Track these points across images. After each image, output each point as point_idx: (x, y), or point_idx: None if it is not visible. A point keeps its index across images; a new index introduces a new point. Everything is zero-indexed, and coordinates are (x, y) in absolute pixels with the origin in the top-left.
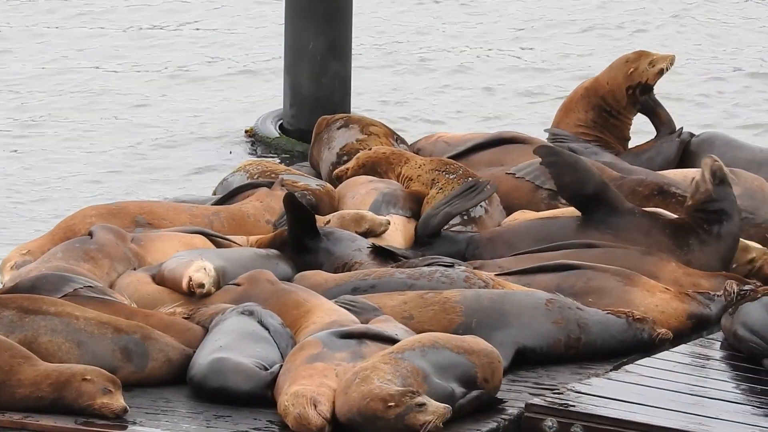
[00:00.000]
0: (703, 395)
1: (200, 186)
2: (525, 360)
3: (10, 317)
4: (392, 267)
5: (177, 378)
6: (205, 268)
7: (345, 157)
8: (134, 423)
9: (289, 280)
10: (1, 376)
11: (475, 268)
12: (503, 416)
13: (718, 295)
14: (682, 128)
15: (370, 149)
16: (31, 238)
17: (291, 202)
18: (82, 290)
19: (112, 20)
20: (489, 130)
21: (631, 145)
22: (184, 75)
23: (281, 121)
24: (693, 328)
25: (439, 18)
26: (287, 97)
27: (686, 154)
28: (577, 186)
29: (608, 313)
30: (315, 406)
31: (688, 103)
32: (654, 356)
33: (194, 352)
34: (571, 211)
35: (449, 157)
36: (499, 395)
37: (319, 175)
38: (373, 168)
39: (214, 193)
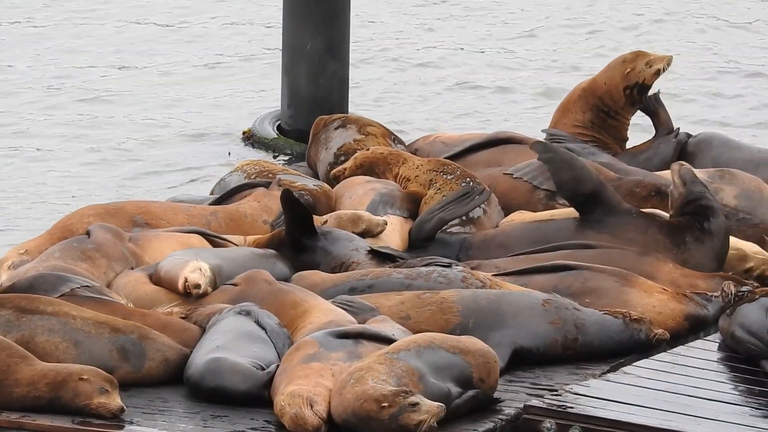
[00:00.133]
0: (701, 397)
1: (198, 186)
2: (522, 360)
3: (7, 317)
4: (390, 267)
5: (174, 378)
6: (200, 269)
7: (342, 158)
8: (131, 423)
9: (287, 280)
10: None
11: (472, 268)
12: (500, 416)
13: (715, 296)
14: (678, 128)
15: (368, 149)
16: (28, 238)
17: (288, 198)
18: (79, 290)
19: (110, 18)
20: (487, 130)
21: (628, 145)
22: (182, 75)
23: (279, 121)
24: (690, 329)
25: (438, 19)
26: (285, 98)
27: (683, 154)
28: (574, 184)
29: (605, 313)
30: (311, 406)
31: (689, 102)
32: (652, 358)
33: (191, 351)
34: (567, 212)
35: (447, 158)
36: (496, 395)
37: (316, 176)
38: (371, 168)
39: (212, 193)
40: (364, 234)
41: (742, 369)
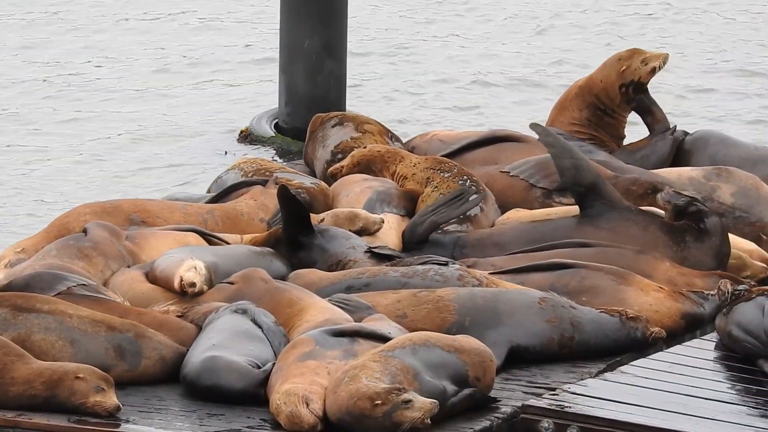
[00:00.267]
0: (699, 396)
1: (195, 184)
2: (518, 359)
3: (3, 315)
4: (386, 265)
5: (170, 376)
6: (195, 267)
7: (339, 155)
8: (127, 421)
9: (284, 278)
10: None
11: (468, 266)
12: (496, 415)
13: (712, 294)
14: (675, 126)
15: (365, 147)
16: (24, 236)
17: (285, 195)
18: (75, 288)
19: (108, 15)
20: (485, 128)
21: (625, 142)
22: (179, 73)
23: (276, 120)
24: (687, 327)
25: (437, 17)
26: (283, 96)
27: (680, 152)
28: (576, 172)
29: (602, 311)
30: (307, 405)
31: (688, 99)
32: (649, 357)
33: (187, 350)
34: (564, 211)
35: (444, 156)
36: (493, 394)
37: (313, 174)
38: (368, 166)
39: (209, 192)
40: (361, 232)
41: (739, 368)
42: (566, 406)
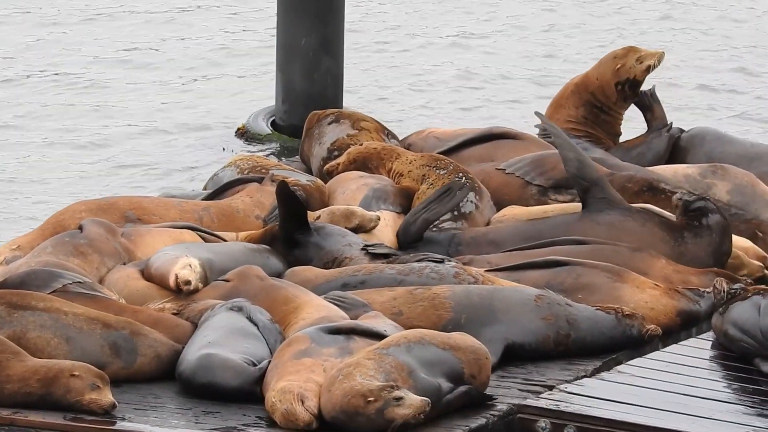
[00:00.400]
0: (696, 395)
1: (191, 181)
2: (514, 356)
3: None
4: (382, 263)
5: (166, 374)
6: (190, 265)
7: (336, 153)
8: (123, 419)
9: (280, 275)
10: None
11: (464, 263)
12: (492, 412)
13: (707, 292)
14: (671, 123)
15: (361, 144)
16: (20, 234)
17: (284, 192)
18: (71, 286)
19: (104, 11)
20: (481, 126)
21: (621, 139)
22: (176, 69)
23: (273, 117)
24: (682, 325)
25: (435, 15)
26: (279, 94)
27: (676, 149)
28: (580, 165)
29: (598, 309)
30: (302, 402)
31: (686, 96)
32: (646, 356)
33: (183, 347)
34: (561, 208)
35: (440, 153)
36: (488, 391)
37: (309, 171)
38: (364, 163)
39: (205, 189)
40: (357, 229)
41: (735, 367)
42: (563, 406)
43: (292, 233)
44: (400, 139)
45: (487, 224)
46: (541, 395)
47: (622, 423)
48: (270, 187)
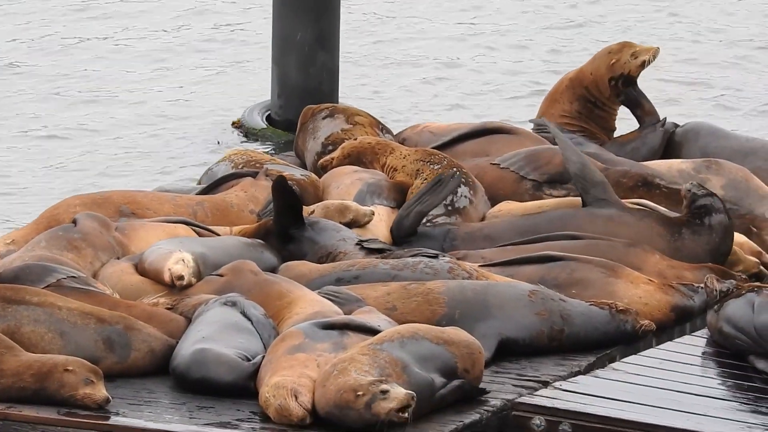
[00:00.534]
0: (690, 392)
1: (186, 175)
2: (508, 351)
3: None
4: (376, 258)
5: (160, 369)
6: (183, 260)
7: (330, 147)
8: (117, 413)
9: (274, 269)
10: None
11: (458, 258)
12: (486, 407)
13: (701, 287)
14: (665, 118)
15: (356, 139)
16: (14, 228)
17: (280, 187)
18: (65, 281)
19: (100, 6)
20: (476, 121)
21: (616, 135)
22: (172, 62)
23: (269, 112)
24: (676, 320)
25: (431, 10)
26: (275, 88)
27: (671, 144)
28: (582, 166)
29: (591, 304)
30: (296, 397)
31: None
32: (640, 353)
33: (177, 342)
34: (556, 203)
35: (434, 148)
36: (482, 387)
37: (304, 165)
38: (359, 158)
39: (200, 183)
40: (351, 224)
41: (730, 364)
42: (558, 403)
43: (286, 228)
44: (395, 133)
45: (482, 219)
46: (536, 392)
47: (617, 420)
48: (264, 182)
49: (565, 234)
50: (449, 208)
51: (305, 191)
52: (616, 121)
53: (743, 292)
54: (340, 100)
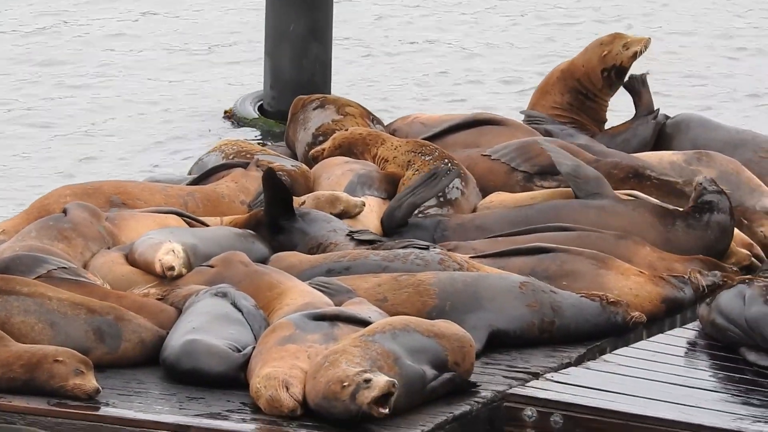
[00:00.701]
0: (681, 384)
1: (177, 165)
2: (499, 343)
3: None
4: (367, 249)
5: (150, 359)
6: (174, 250)
7: (321, 138)
8: (107, 404)
9: (265, 260)
10: None
11: (449, 250)
12: (476, 399)
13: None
14: (658, 110)
15: (347, 130)
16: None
17: (270, 178)
18: (55, 271)
19: None
20: (468, 112)
21: (606, 126)
22: (164, 52)
23: (261, 102)
24: (667, 312)
25: (424, 2)
26: (268, 80)
27: (662, 136)
28: (574, 165)
29: (582, 296)
30: (287, 389)
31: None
32: (631, 345)
33: (167, 333)
34: (549, 194)
35: (425, 139)
36: (473, 378)
37: (295, 156)
38: (349, 149)
39: (191, 173)
40: (342, 215)
41: (721, 356)
42: (549, 395)
43: (276, 219)
44: (385, 124)
45: (473, 210)
46: (528, 383)
47: (608, 411)
48: (255, 173)
49: (556, 225)
50: (441, 199)
51: (296, 182)
52: (607, 113)
53: (735, 284)
54: (332, 92)
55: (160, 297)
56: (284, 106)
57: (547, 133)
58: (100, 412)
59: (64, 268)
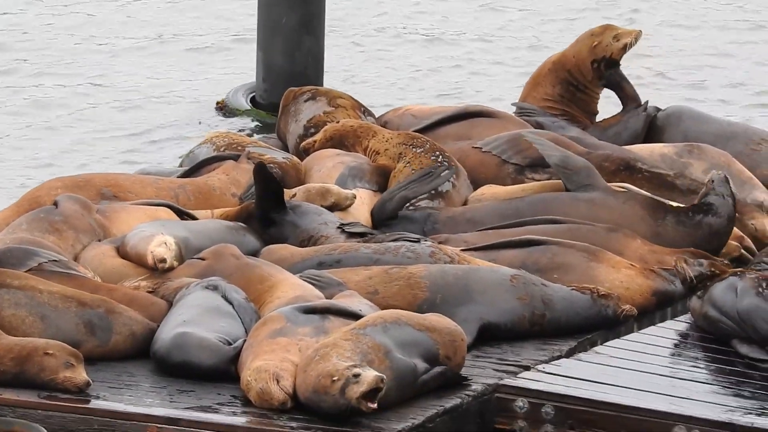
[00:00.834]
0: (673, 376)
1: (168, 157)
2: (489, 336)
3: None
4: (358, 242)
5: (141, 352)
6: (166, 243)
7: (312, 130)
8: (97, 397)
9: (256, 253)
10: None
11: (440, 242)
12: (467, 392)
13: None
14: (647, 102)
15: (338, 122)
16: None
17: (261, 172)
18: (46, 264)
19: None
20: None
21: (598, 119)
22: (156, 44)
23: (253, 93)
24: (658, 305)
25: None
26: (260, 72)
27: (653, 128)
28: (562, 156)
29: (573, 289)
30: (277, 381)
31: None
32: (623, 338)
33: (158, 326)
34: (540, 186)
35: (416, 131)
36: (463, 371)
37: (286, 148)
38: (341, 141)
39: (181, 166)
40: (333, 207)
41: (712, 349)
42: (541, 386)
43: (267, 212)
44: (377, 116)
45: (464, 203)
46: (519, 375)
47: (600, 403)
48: (246, 165)
49: (547, 218)
50: (432, 191)
51: (287, 174)
52: (598, 106)
53: (727, 276)
54: (325, 85)
55: (150, 290)
56: (276, 98)
57: (539, 126)
58: (90, 405)
59: (55, 260)
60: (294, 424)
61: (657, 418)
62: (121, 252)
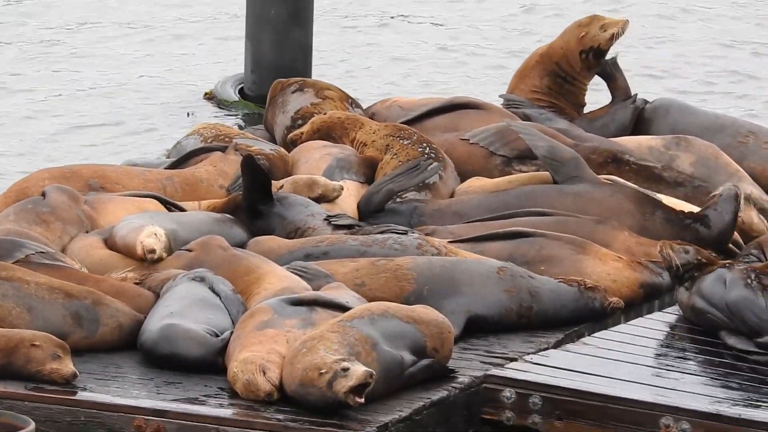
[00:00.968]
0: (660, 367)
1: (155, 148)
2: (476, 328)
3: None
4: (345, 234)
5: (128, 344)
6: (156, 234)
7: (299, 121)
8: (84, 389)
9: (243, 245)
10: None
11: (427, 234)
12: (454, 385)
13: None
14: (636, 95)
15: (325, 113)
16: None
17: (249, 164)
18: (33, 256)
19: None
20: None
21: (585, 110)
22: (145, 34)
23: (241, 85)
24: (645, 297)
25: None
26: (248, 64)
27: (640, 120)
28: (550, 148)
29: (560, 281)
30: (264, 373)
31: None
32: (611, 329)
33: (145, 317)
34: (526, 178)
35: (404, 122)
36: (450, 363)
37: (273, 139)
38: (328, 133)
39: (168, 157)
40: (320, 199)
41: (700, 340)
42: (529, 376)
43: (255, 203)
44: (364, 108)
45: (451, 195)
46: (507, 365)
47: (587, 393)
48: (233, 156)
49: (534, 211)
50: (419, 183)
51: (274, 166)
52: (586, 98)
53: (715, 268)
54: (313, 77)
55: (138, 281)
56: (265, 90)
57: (526, 118)
58: (77, 397)
59: (42, 252)
60: (281, 416)
61: (644, 409)
62: (109, 243)
